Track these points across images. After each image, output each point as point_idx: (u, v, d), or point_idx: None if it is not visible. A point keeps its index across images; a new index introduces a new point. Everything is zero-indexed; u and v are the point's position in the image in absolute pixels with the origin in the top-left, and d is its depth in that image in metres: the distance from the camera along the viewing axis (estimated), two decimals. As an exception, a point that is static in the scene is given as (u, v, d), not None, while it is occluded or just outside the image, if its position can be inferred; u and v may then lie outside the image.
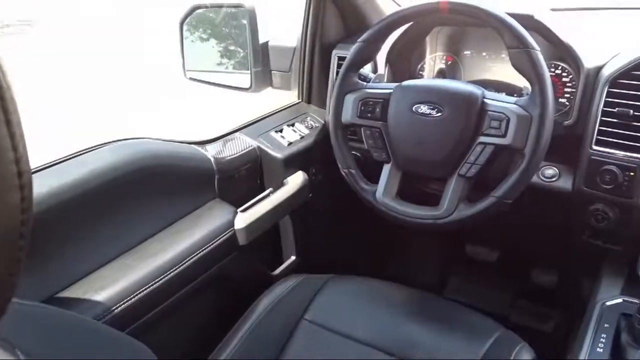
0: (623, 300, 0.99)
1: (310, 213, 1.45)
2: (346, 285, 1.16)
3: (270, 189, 1.31)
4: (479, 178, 1.00)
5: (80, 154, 0.97)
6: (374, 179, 1.10)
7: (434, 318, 1.06)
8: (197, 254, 1.07)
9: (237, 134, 1.32)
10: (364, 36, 1.08)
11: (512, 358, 0.93)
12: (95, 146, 1.01)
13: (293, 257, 1.46)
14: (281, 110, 1.47)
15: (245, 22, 1.40)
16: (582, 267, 1.25)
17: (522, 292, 1.72)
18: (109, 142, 1.03)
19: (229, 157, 1.23)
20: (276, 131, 1.37)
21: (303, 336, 1.05)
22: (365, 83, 1.12)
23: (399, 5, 1.28)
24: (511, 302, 1.70)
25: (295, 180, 1.35)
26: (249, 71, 1.44)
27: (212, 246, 1.11)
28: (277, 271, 1.41)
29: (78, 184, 0.90)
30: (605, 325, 0.94)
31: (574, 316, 1.08)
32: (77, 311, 0.85)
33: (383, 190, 1.07)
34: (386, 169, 1.08)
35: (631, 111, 1.01)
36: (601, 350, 0.89)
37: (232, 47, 1.52)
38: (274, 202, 1.28)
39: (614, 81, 1.03)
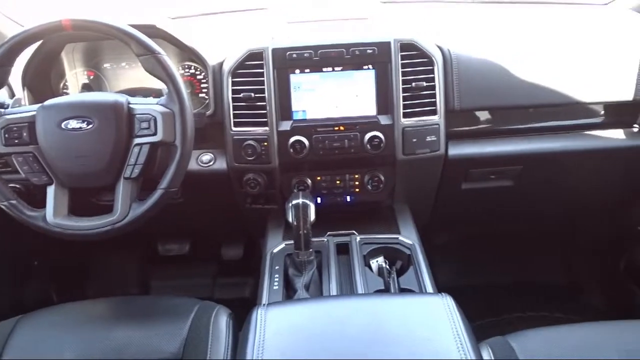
0: (285, 244, 1.22)
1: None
2: (40, 319, 1.11)
3: None
4: (147, 177, 1.08)
5: None
6: (44, 204, 1.07)
7: (139, 315, 1.11)
8: None
9: None
10: None
11: (212, 321, 1.06)
12: None
13: None
14: None
15: None
16: (257, 230, 1.46)
17: (219, 271, 1.90)
18: None
19: None
20: None
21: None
22: (2, 110, 1.07)
23: (22, 26, 1.24)
24: (211, 282, 1.86)
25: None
26: None
27: None
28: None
29: None
30: (276, 267, 1.15)
31: None
32: None
33: (53, 212, 1.05)
34: (50, 190, 1.06)
35: (252, 94, 1.23)
36: (277, 287, 1.09)
37: None
38: None
39: (233, 72, 1.24)
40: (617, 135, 1.37)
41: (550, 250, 1.97)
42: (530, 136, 1.36)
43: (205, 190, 1.35)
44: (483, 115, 1.38)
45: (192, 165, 1.26)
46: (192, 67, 1.37)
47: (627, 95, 1.31)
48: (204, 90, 1.37)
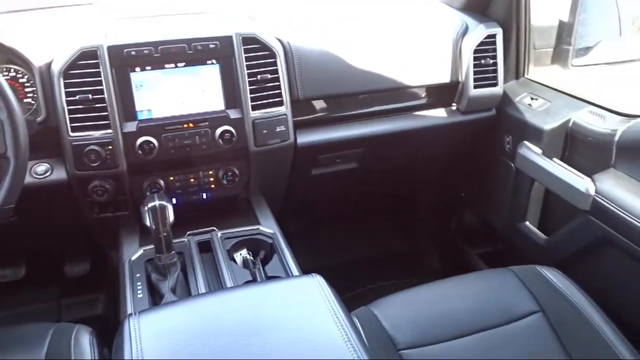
0: (143, 250, 1.17)
1: None
2: None
3: None
4: None
5: None
6: None
7: None
8: None
9: None
10: None
11: (72, 343, 0.98)
12: None
13: None
14: None
15: None
16: (107, 240, 1.37)
17: (63, 291, 1.74)
18: None
19: None
20: None
21: None
22: None
23: None
24: (56, 305, 1.70)
25: None
26: None
27: None
28: None
29: None
30: (137, 275, 1.10)
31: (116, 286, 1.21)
32: None
33: None
34: None
35: (90, 95, 1.15)
36: (141, 295, 1.04)
37: None
38: None
39: (65, 73, 1.14)
40: (439, 113, 1.54)
41: (394, 223, 2.16)
42: (369, 120, 1.48)
43: (43, 204, 1.23)
44: (326, 103, 1.45)
45: (26, 178, 1.13)
46: (13, 70, 1.22)
47: (445, 78, 1.48)
48: (29, 95, 1.23)
